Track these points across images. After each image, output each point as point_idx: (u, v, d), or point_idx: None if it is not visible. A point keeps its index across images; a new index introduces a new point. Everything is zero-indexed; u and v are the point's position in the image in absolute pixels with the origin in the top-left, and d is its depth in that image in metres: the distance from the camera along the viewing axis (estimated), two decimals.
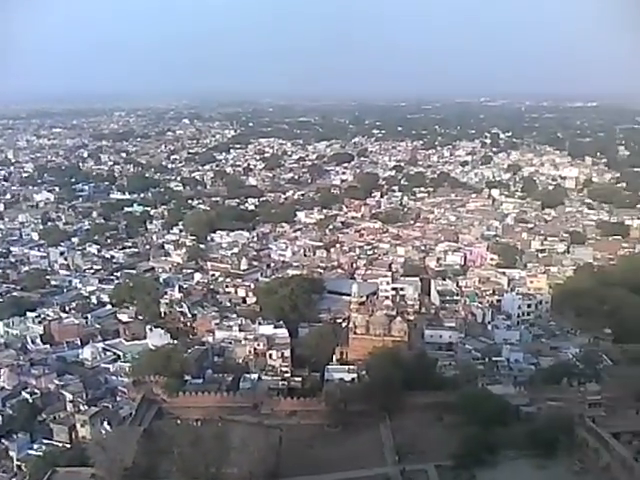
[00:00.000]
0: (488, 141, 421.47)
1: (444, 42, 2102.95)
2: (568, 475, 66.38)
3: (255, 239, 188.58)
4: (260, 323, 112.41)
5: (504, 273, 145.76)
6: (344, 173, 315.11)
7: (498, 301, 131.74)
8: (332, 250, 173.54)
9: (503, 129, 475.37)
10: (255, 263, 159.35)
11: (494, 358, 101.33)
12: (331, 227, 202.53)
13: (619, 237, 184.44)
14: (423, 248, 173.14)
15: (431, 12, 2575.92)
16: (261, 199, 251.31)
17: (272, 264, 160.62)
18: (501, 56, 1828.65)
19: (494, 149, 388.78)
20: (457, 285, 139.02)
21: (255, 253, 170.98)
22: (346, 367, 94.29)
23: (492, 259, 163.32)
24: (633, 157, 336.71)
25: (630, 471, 61.49)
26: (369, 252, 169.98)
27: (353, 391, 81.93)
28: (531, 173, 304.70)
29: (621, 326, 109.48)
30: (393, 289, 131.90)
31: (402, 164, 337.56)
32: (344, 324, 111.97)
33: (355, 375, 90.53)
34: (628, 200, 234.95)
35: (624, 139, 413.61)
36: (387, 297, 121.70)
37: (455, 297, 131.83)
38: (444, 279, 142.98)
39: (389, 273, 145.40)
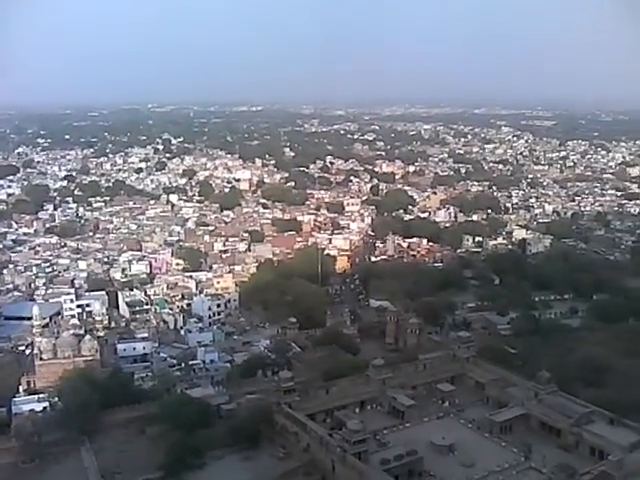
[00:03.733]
0: (160, 147, 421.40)
1: (105, 47, 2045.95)
2: (273, 461, 69.02)
3: None
4: None
5: (191, 277, 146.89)
6: (10, 187, 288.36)
7: (188, 305, 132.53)
8: (5, 272, 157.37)
9: (174, 135, 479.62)
10: None
11: (190, 362, 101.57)
12: (0, 246, 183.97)
13: (293, 232, 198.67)
14: (106, 260, 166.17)
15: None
16: None
17: None
18: (169, 63, 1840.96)
19: (167, 155, 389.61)
20: (145, 294, 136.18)
21: None
22: (35, 397, 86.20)
23: (178, 264, 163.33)
24: (298, 158, 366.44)
25: (327, 447, 66.18)
26: (48, 270, 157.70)
27: (46, 420, 75.17)
28: (206, 177, 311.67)
29: (303, 314, 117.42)
30: (78, 306, 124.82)
31: (74, 174, 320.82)
32: (28, 351, 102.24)
33: (47, 403, 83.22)
34: (298, 198, 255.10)
35: (289, 141, 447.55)
36: (73, 316, 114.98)
37: (145, 306, 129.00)
38: (131, 289, 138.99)
39: (72, 290, 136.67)
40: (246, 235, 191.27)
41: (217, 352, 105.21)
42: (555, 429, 72.32)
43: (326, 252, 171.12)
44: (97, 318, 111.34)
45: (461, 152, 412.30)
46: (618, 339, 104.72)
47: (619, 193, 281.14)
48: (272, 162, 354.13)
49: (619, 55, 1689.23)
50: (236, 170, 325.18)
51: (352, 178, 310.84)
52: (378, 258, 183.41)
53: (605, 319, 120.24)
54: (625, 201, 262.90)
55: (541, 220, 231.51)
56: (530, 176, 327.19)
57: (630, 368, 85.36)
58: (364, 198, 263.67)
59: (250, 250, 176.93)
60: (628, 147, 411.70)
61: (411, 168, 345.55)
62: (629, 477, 60.03)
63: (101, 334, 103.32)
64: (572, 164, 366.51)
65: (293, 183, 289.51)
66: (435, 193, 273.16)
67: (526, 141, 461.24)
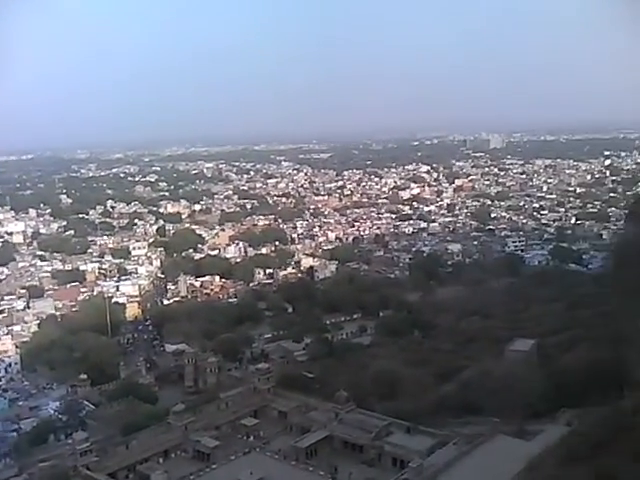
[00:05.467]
0: None
1: None
2: None
3: None
4: None
5: None
6: None
7: None
8: None
9: None
10: None
11: None
12: None
13: (77, 283, 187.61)
14: None
15: None
16: None
17: None
18: None
19: None
20: None
21: None
22: None
23: None
24: (76, 204, 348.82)
25: None
26: None
27: None
28: None
29: (94, 369, 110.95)
30: None
31: None
32: None
33: None
34: (79, 246, 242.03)
35: (64, 188, 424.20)
36: None
37: None
38: None
39: None
40: (23, 291, 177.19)
41: (1, 421, 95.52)
42: (358, 446, 74.43)
43: (114, 300, 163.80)
44: None
45: (245, 188, 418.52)
46: (405, 351, 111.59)
47: (394, 215, 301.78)
48: (48, 211, 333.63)
49: (384, 87, 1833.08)
50: (8, 223, 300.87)
51: (137, 221, 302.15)
52: (171, 301, 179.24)
53: (392, 334, 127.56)
54: (399, 222, 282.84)
55: (326, 247, 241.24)
56: (312, 207, 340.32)
57: (418, 377, 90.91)
58: (151, 240, 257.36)
59: (29, 307, 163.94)
60: (398, 172, 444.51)
61: (197, 207, 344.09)
62: None
63: None
64: (349, 192, 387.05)
65: (72, 231, 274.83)
66: (223, 230, 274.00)
67: (305, 174, 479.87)
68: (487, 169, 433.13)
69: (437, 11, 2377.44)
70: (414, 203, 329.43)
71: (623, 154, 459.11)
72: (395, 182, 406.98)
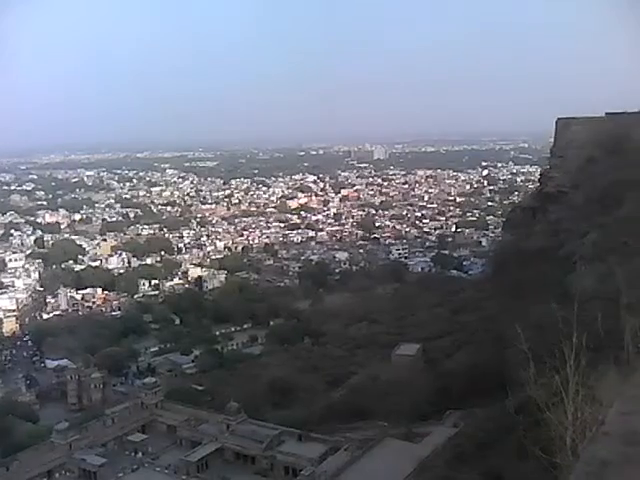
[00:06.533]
0: None
1: None
2: None
3: None
4: None
5: None
6: None
7: None
8: None
9: None
10: None
11: None
12: None
13: None
14: None
15: None
16: None
17: None
18: None
19: None
20: None
21: None
22: None
23: None
24: None
25: None
26: None
27: None
28: None
29: None
30: None
31: None
32: None
33: None
34: None
35: None
36: None
37: None
38: None
39: None
40: None
41: None
42: (250, 456, 73.83)
43: None
44: None
45: (128, 197, 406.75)
46: (296, 358, 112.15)
47: (282, 224, 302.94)
48: None
49: (269, 96, 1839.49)
50: None
51: (13, 232, 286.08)
52: (51, 314, 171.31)
53: (283, 342, 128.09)
54: (288, 231, 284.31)
55: (214, 257, 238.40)
56: (199, 215, 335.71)
57: (309, 384, 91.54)
58: (28, 252, 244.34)
59: None
60: (285, 182, 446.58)
61: (77, 216, 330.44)
62: None
63: None
64: (237, 201, 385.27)
65: None
66: (105, 240, 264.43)
67: (191, 182, 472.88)
68: (371, 179, 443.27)
69: (314, 20, 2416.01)
70: (302, 212, 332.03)
71: (499, 165, 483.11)
72: (283, 191, 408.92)
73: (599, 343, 19.10)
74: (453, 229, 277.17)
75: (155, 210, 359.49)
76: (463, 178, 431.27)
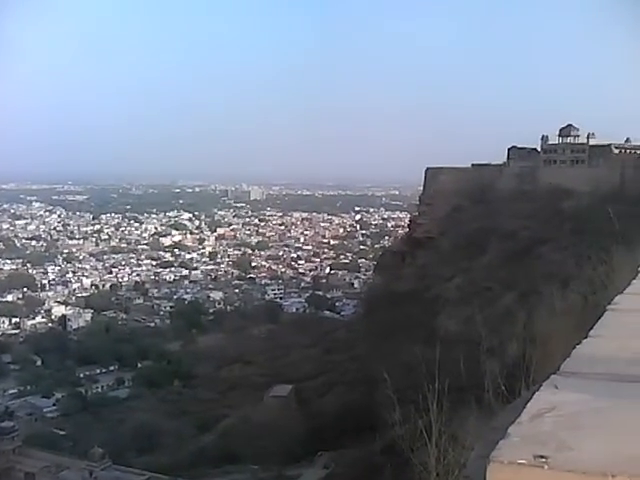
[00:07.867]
0: None
1: None
2: None
3: None
4: None
5: None
6: None
7: None
8: None
9: None
10: None
11: None
12: None
13: None
14: None
15: None
16: None
17: None
18: None
19: None
20: None
21: None
22: None
23: None
24: None
25: None
26: None
27: None
28: None
29: None
30: None
31: None
32: None
33: None
34: None
35: None
36: None
37: None
38: None
39: None
40: None
41: None
42: None
43: None
44: None
45: None
46: (165, 402, 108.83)
47: (154, 262, 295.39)
48: None
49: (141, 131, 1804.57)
50: None
51: None
52: None
53: (151, 385, 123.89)
54: (160, 269, 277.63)
55: (80, 295, 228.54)
56: (66, 251, 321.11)
57: (177, 428, 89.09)
58: None
59: None
60: (159, 218, 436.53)
61: None
62: None
63: None
64: (107, 237, 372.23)
65: None
66: None
67: (59, 216, 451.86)
68: (248, 219, 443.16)
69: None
70: (176, 250, 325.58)
71: (372, 210, 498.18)
72: (156, 228, 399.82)
73: (461, 385, 20.03)
74: (327, 271, 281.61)
75: (19, 244, 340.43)
76: (337, 222, 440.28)
